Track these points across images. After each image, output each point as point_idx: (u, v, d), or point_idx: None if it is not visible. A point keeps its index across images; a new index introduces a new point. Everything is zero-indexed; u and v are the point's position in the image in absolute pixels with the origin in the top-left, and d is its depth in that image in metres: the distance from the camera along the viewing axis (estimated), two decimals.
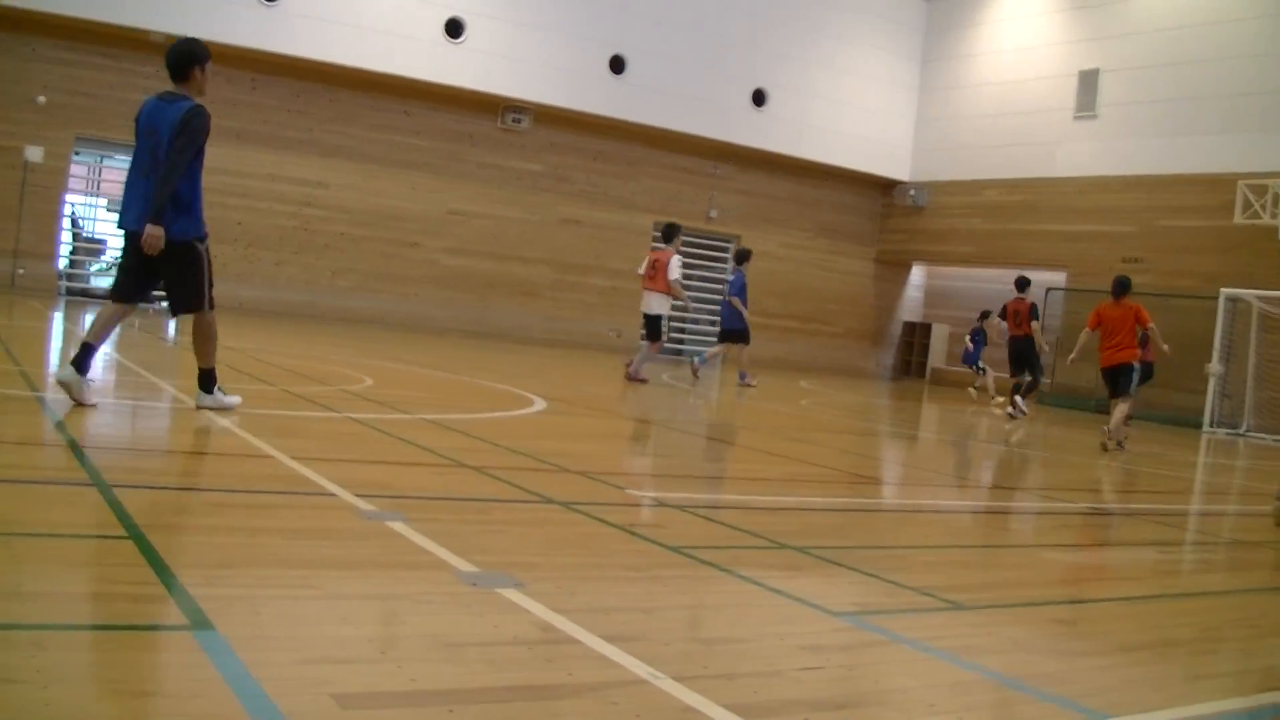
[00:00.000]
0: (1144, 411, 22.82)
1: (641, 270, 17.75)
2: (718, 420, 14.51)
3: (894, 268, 34.72)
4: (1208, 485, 13.70)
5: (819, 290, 32.91)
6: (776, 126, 30.81)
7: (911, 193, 33.22)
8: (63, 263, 24.23)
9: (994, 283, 32.42)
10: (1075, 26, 29.88)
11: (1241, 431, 23.49)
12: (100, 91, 23.10)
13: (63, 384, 7.58)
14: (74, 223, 25.34)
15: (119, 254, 8.18)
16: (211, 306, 8.16)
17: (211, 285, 8.13)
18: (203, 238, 8.02)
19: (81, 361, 7.59)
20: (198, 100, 7.94)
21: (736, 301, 19.76)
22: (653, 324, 17.52)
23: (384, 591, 4.12)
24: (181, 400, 8.84)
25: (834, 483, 9.37)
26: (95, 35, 22.70)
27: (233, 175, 23.93)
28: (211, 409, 8.07)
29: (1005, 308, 21.23)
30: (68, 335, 14.89)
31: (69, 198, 24.22)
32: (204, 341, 8.11)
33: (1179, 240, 26.42)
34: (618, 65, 28.07)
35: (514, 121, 27.37)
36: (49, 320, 16.89)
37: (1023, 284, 21.02)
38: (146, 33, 22.54)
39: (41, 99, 22.41)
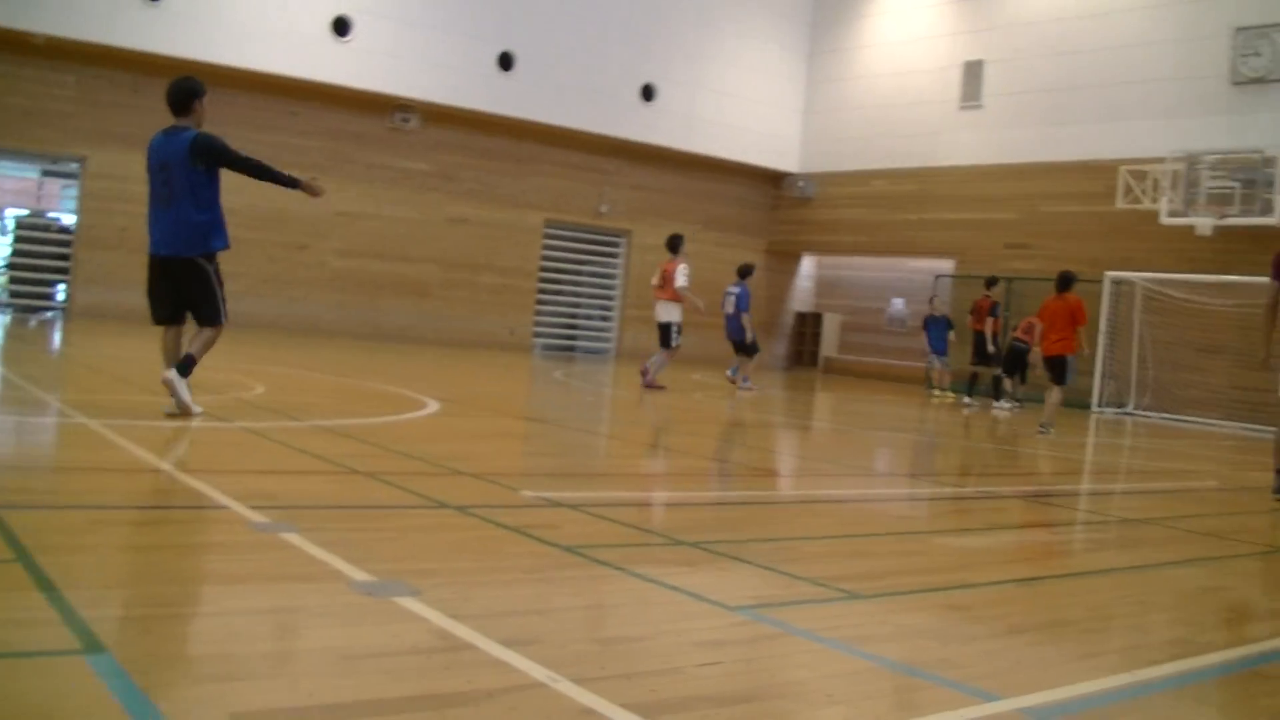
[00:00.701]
0: (1033, 394, 23.28)
1: (655, 281, 18.59)
2: (612, 417, 14.54)
3: (784, 258, 35.00)
4: (1096, 465, 13.99)
5: (710, 282, 32.67)
6: (666, 121, 30.91)
7: (800, 184, 33.52)
8: None
9: (883, 271, 32.85)
10: (960, 18, 30.33)
11: (1128, 410, 24.01)
12: None
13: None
14: None
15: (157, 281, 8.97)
16: (223, 319, 9.10)
17: (224, 300, 9.02)
18: (211, 254, 8.86)
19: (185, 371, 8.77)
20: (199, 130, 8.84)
21: (745, 318, 20.23)
22: (665, 331, 18.15)
23: (279, 605, 4.10)
24: (68, 415, 8.72)
25: (729, 476, 9.45)
26: None
27: (117, 180, 23.52)
28: (173, 383, 8.63)
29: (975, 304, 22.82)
30: None
31: None
32: (202, 343, 8.96)
33: (1063, 226, 26.94)
34: (506, 62, 27.99)
35: (402, 121, 27.20)
36: None
37: (990, 282, 22.62)
38: (29, 35, 22.06)
39: None
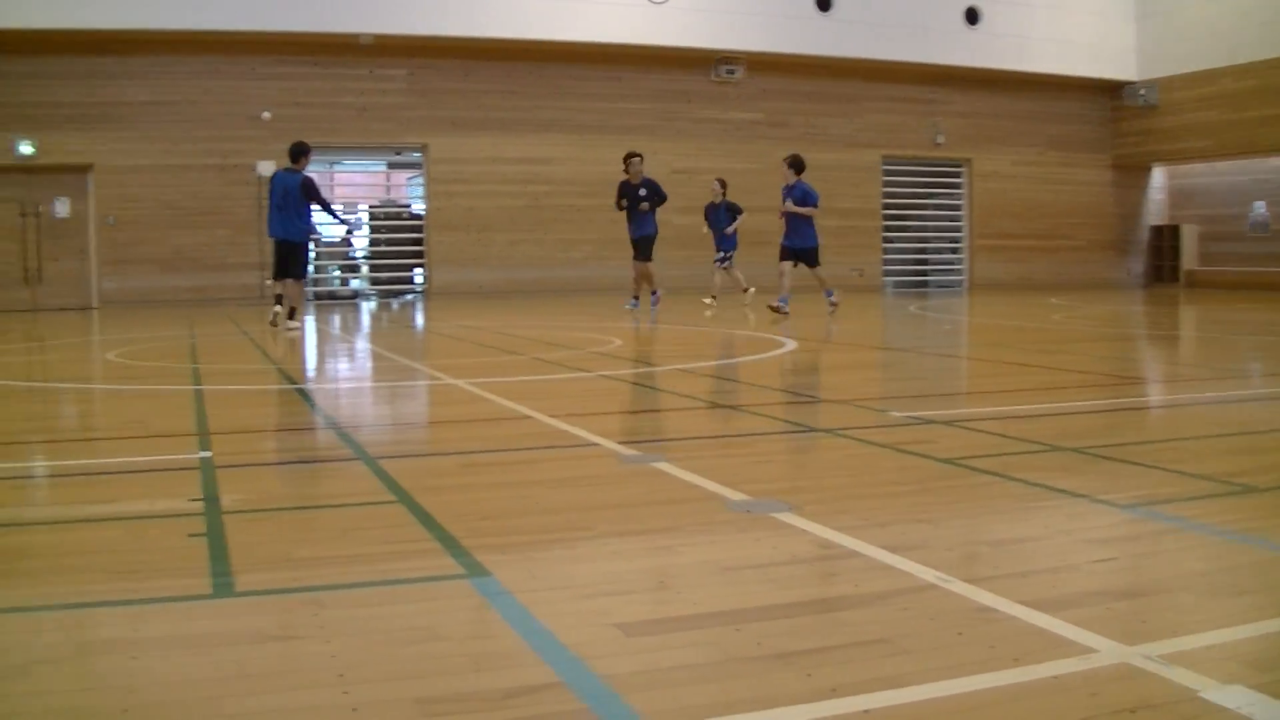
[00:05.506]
0: None
1: None
2: (966, 341, 14.17)
3: (1132, 172, 33.37)
4: None
5: (1055, 204, 31.86)
6: (993, 43, 29.87)
7: (1142, 92, 31.85)
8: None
9: (1240, 174, 31.03)
10: None
11: None
12: (318, 100, 23.53)
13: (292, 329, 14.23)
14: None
15: (276, 254, 14.79)
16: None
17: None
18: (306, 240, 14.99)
19: (290, 314, 14.45)
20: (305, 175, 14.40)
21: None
22: None
23: (656, 526, 4.05)
24: (437, 377, 8.97)
25: (1098, 386, 9.02)
26: (305, 46, 23.16)
27: (453, 163, 24.32)
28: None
29: None
30: (323, 336, 15.28)
31: None
32: (299, 292, 14.89)
33: None
34: (824, 3, 27.58)
35: (727, 73, 27.13)
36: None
37: None
38: (356, 36, 22.94)
39: (267, 115, 22.96)
